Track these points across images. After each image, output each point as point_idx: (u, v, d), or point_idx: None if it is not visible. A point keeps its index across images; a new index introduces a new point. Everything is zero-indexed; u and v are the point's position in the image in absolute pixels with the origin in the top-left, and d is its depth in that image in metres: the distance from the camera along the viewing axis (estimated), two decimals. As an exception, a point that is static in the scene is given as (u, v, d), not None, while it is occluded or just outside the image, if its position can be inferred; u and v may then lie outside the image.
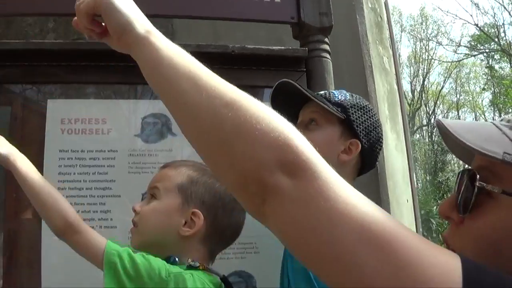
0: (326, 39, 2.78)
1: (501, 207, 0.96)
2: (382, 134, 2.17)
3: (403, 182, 4.35)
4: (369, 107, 2.15)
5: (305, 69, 2.72)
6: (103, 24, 1.23)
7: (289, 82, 2.10)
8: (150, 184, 1.92)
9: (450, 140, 1.12)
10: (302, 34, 2.78)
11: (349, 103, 2.09)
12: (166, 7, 2.58)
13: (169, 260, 1.80)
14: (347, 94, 2.16)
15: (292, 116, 2.18)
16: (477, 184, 1.05)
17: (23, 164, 1.90)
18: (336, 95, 2.13)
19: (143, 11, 1.30)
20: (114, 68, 2.46)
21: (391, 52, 4.53)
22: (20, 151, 1.95)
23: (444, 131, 1.09)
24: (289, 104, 2.17)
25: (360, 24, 3.81)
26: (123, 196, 2.45)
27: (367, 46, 3.79)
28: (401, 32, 39.53)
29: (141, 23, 1.16)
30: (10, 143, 1.96)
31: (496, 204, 0.96)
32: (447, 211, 1.05)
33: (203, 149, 1.00)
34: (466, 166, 1.21)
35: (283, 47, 2.74)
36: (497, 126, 1.13)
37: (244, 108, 0.94)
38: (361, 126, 2.06)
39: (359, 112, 2.09)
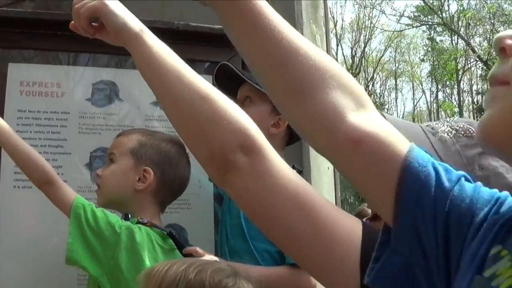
0: (262, 20, 3.07)
1: None
2: None
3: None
4: None
5: (242, 47, 2.99)
6: (95, 24, 1.47)
7: (226, 64, 2.40)
8: (108, 151, 2.27)
9: None
10: (242, 14, 3.06)
11: None
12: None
13: (127, 217, 2.15)
14: None
15: (232, 92, 2.48)
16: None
17: (2, 123, 2.17)
18: None
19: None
20: (70, 37, 2.68)
21: (324, 30, 4.81)
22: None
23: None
24: (229, 81, 2.49)
25: (296, 3, 4.07)
26: (73, 154, 2.69)
27: (301, 24, 4.06)
28: (346, -2, 39.45)
29: (135, 23, 1.40)
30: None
31: None
32: None
33: (182, 131, 1.30)
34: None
35: (222, 26, 3.02)
36: (423, 130, 1.51)
37: (215, 101, 1.21)
38: None
39: None
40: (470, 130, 1.49)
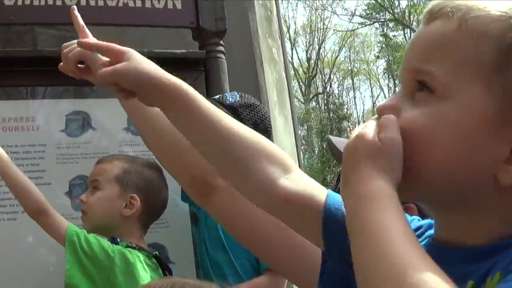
0: (221, 41, 3.22)
1: None
2: (269, 124, 2.64)
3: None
4: (256, 104, 2.62)
5: (203, 69, 3.16)
6: (82, 66, 1.55)
7: None
8: (91, 177, 2.40)
9: (335, 151, 1.77)
10: (200, 37, 3.21)
11: (238, 104, 2.55)
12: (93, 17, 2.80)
13: (114, 240, 2.29)
14: (237, 96, 2.61)
15: None
16: None
17: (2, 153, 2.31)
18: (228, 98, 2.58)
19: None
20: (42, 71, 2.82)
21: (279, 43, 5.00)
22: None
23: (331, 145, 1.74)
24: None
25: (251, 20, 4.24)
26: (53, 184, 2.82)
27: (258, 40, 4.24)
28: (297, 0, 39.52)
29: None
30: None
31: None
32: None
33: (165, 159, 1.53)
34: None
35: (184, 50, 3.18)
36: None
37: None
38: (249, 122, 2.49)
39: (247, 110, 2.55)
40: None
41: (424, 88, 0.91)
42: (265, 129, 2.58)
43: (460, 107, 0.87)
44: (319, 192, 1.15)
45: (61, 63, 1.61)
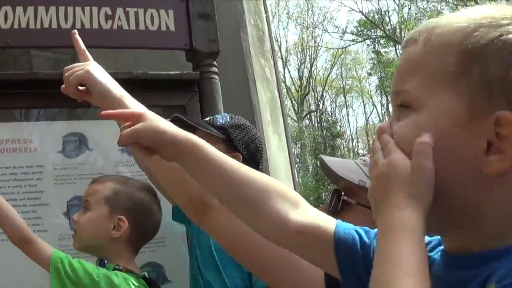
0: (215, 62, 3.27)
1: (355, 213, 1.49)
2: (260, 144, 2.66)
3: (285, 177, 4.93)
4: (246, 125, 2.64)
5: (197, 90, 3.20)
6: (83, 89, 1.63)
7: (178, 116, 2.54)
8: (83, 198, 2.42)
9: (328, 171, 1.85)
10: (194, 59, 3.26)
11: (228, 125, 2.57)
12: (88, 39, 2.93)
13: (102, 262, 2.31)
14: (228, 117, 2.64)
15: None
16: (342, 197, 1.79)
17: None
18: (219, 119, 2.61)
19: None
20: (38, 94, 2.89)
21: (272, 62, 5.05)
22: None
23: (323, 164, 1.83)
24: (186, 129, 2.66)
25: (244, 41, 4.29)
26: (51, 204, 2.86)
27: (250, 60, 4.30)
28: (288, 19, 39.63)
29: (117, 90, 1.59)
30: None
31: (353, 211, 1.45)
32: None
33: (163, 180, 1.61)
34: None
35: (178, 72, 3.23)
36: (357, 164, 1.90)
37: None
38: (240, 142, 2.54)
39: (237, 130, 2.57)
40: None
41: (404, 107, 1.01)
42: (256, 148, 2.62)
43: (432, 113, 0.96)
44: (328, 222, 1.23)
45: (63, 85, 1.68)
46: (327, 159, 1.94)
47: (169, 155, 1.31)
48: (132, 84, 2.92)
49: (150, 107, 1.52)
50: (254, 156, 2.61)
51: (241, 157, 2.51)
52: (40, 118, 3.07)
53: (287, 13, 39.47)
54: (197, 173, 1.32)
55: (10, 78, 2.92)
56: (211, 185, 1.31)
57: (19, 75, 2.96)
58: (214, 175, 1.28)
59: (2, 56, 3.61)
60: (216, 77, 3.26)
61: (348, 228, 1.20)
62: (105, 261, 2.41)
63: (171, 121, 2.55)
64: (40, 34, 2.97)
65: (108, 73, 1.65)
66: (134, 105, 1.55)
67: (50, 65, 3.78)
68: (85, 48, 1.75)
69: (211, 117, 2.68)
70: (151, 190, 2.48)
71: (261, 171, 3.17)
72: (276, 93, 5.07)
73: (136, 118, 1.33)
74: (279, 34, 36.93)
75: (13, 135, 2.93)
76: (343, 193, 1.83)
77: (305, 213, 1.24)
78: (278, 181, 1.33)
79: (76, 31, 1.80)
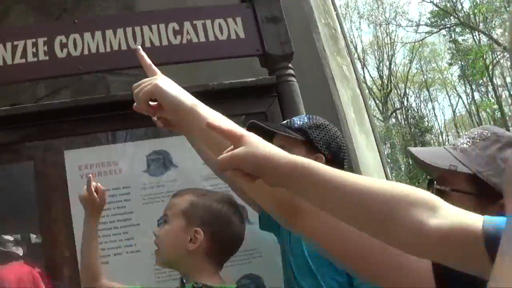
0: (290, 64, 3.21)
1: (453, 201, 1.38)
2: (342, 143, 2.55)
3: (378, 177, 4.78)
4: (325, 124, 2.54)
5: (276, 94, 3.14)
6: (154, 104, 1.61)
7: (255, 123, 2.47)
8: (163, 212, 2.40)
9: (417, 161, 1.74)
10: (268, 63, 3.21)
11: (307, 126, 2.48)
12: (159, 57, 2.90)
13: (182, 281, 2.30)
14: (305, 118, 2.55)
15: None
16: (435, 187, 1.69)
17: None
18: (296, 121, 2.52)
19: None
20: (112, 117, 2.91)
21: (349, 60, 4.95)
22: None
23: (412, 156, 1.73)
24: (264, 136, 2.60)
25: (317, 40, 4.23)
26: (141, 224, 2.86)
27: (326, 59, 4.22)
28: (360, 19, 39.36)
29: (188, 99, 1.56)
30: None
31: (448, 199, 1.30)
32: None
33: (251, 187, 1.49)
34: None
35: (254, 78, 3.17)
36: (446, 149, 1.79)
37: None
38: (320, 142, 2.45)
39: (317, 131, 2.48)
40: (484, 133, 1.74)
41: None
42: (338, 147, 2.52)
43: None
44: (473, 220, 1.11)
45: (135, 104, 1.64)
46: (414, 150, 1.84)
47: (273, 182, 1.26)
48: (209, 96, 2.92)
49: (230, 116, 1.49)
50: (337, 156, 2.51)
51: (323, 158, 2.44)
52: (126, 140, 3.10)
53: (358, 13, 39.31)
54: (311, 196, 1.25)
55: (88, 103, 2.94)
56: (331, 205, 1.23)
57: (96, 99, 2.96)
58: (333, 194, 1.20)
59: (78, 84, 3.66)
60: (293, 79, 3.19)
61: (497, 222, 1.07)
62: (184, 281, 2.33)
63: (247, 128, 2.51)
64: (110, 57, 2.99)
65: (183, 88, 1.61)
66: (208, 114, 1.52)
67: (127, 88, 3.81)
68: (151, 63, 1.72)
69: (288, 120, 2.61)
70: (230, 201, 2.41)
71: (352, 168, 3.12)
72: (358, 90, 4.96)
73: (237, 139, 1.30)
74: (353, 34, 36.71)
75: (97, 159, 2.95)
76: (435, 182, 1.75)
77: (446, 215, 1.12)
78: (404, 184, 1.21)
79: (139, 47, 1.77)
